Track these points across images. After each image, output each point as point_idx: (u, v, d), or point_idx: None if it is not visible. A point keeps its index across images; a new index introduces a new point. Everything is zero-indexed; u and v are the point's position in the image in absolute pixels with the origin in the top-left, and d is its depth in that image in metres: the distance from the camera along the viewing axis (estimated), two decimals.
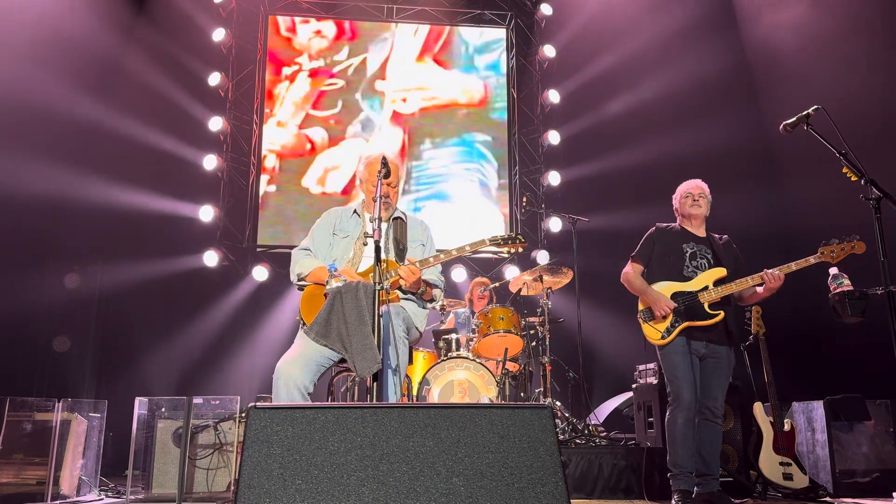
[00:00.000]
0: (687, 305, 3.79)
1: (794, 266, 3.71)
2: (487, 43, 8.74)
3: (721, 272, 3.84)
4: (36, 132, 6.27)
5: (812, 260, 3.70)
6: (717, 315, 3.75)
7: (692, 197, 4.03)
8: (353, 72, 8.41)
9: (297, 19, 8.48)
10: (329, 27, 8.49)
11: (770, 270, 3.71)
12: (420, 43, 8.59)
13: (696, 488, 3.72)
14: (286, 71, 8.37)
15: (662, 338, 3.80)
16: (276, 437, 1.88)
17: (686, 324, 3.76)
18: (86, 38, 6.78)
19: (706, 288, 3.80)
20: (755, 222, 6.76)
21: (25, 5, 6.35)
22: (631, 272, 4.03)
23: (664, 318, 3.80)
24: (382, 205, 3.27)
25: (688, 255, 3.92)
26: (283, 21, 8.46)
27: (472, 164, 8.34)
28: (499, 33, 8.77)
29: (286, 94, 8.31)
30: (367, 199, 3.44)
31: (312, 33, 8.41)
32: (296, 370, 2.95)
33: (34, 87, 6.13)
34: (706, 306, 3.77)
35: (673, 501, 3.68)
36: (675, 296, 3.83)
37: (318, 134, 8.19)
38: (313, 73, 8.38)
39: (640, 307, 3.95)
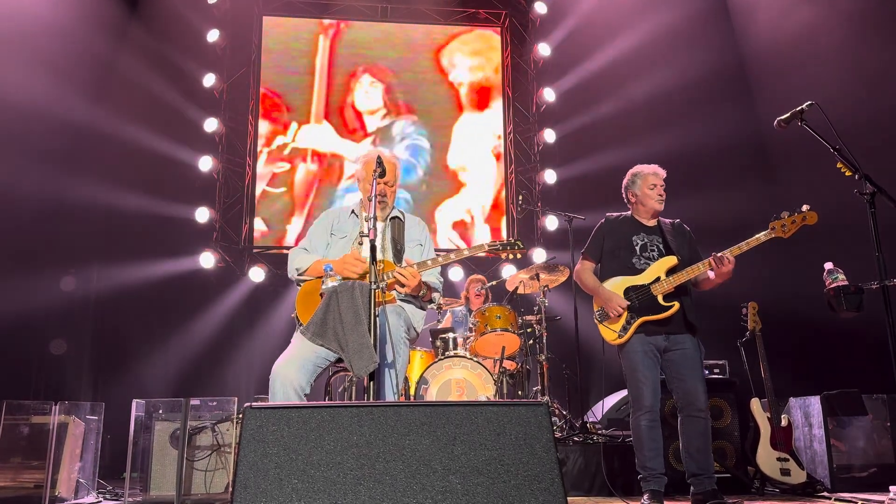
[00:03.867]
0: (641, 300, 3.63)
1: (744, 246, 3.55)
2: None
3: (672, 261, 3.66)
4: (29, 134, 6.24)
5: (762, 237, 3.53)
6: (671, 307, 3.58)
7: (658, 189, 3.80)
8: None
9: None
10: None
11: (718, 254, 3.54)
12: None
13: (691, 488, 3.68)
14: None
15: (619, 337, 3.66)
16: (272, 437, 1.87)
17: (641, 319, 3.60)
18: (79, 39, 6.75)
19: (658, 279, 3.63)
20: (750, 219, 6.75)
21: (18, 7, 6.33)
22: (582, 270, 3.88)
23: (619, 316, 3.64)
24: (378, 204, 3.27)
25: (638, 246, 3.76)
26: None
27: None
28: None
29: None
30: (365, 198, 3.43)
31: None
32: (292, 371, 2.94)
33: (27, 89, 6.09)
34: (660, 298, 3.60)
35: (643, 500, 3.53)
36: (628, 290, 3.66)
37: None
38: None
39: (595, 307, 3.79)
